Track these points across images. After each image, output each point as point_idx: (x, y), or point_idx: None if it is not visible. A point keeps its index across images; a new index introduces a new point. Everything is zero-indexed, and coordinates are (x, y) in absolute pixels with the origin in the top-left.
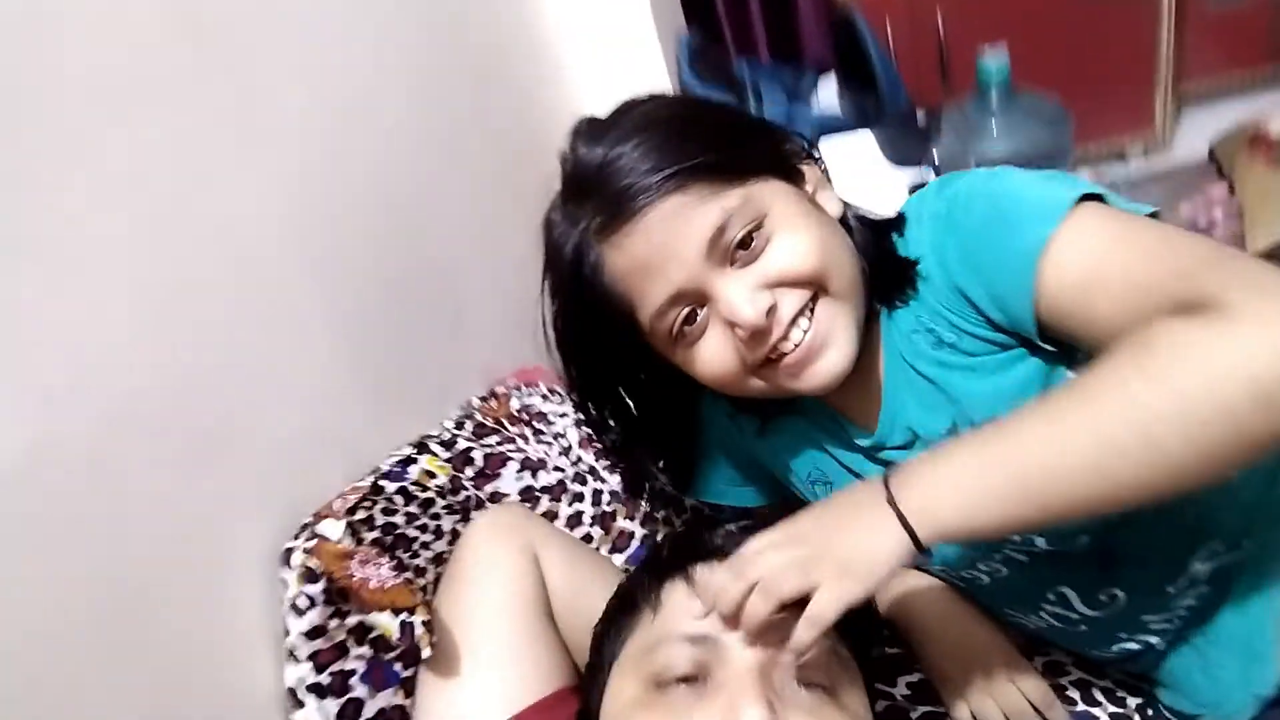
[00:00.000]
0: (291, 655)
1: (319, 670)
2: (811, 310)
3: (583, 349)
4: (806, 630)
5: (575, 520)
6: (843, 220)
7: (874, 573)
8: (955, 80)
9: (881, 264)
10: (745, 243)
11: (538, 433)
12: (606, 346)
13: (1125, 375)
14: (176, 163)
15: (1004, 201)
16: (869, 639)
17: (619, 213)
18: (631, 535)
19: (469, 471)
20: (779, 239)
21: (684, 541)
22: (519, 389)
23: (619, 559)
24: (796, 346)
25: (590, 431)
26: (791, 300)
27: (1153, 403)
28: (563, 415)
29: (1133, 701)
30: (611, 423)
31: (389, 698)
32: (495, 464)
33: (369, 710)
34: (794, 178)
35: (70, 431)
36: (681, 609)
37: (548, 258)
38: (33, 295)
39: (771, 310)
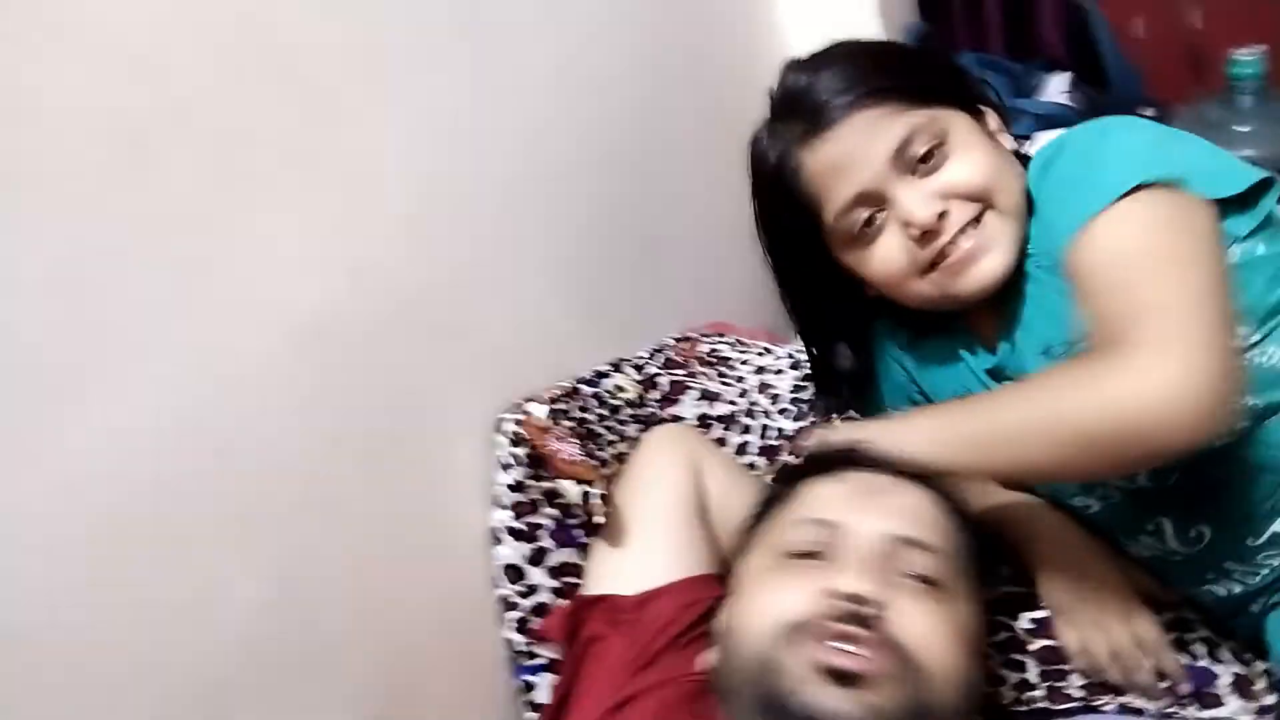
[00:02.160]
0: (496, 501)
1: (517, 518)
2: (978, 222)
3: (781, 250)
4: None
5: (742, 449)
6: (1017, 156)
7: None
8: (1207, 80)
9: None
10: (926, 158)
11: (720, 373)
12: (799, 247)
13: (1044, 383)
14: (442, 116)
15: (1088, 164)
16: (990, 562)
17: (818, 122)
18: None
19: (655, 394)
20: (956, 156)
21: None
22: (709, 336)
23: None
24: (960, 250)
25: (765, 380)
26: (962, 210)
27: (1043, 410)
28: (744, 362)
29: (1260, 665)
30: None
31: (569, 555)
32: (678, 390)
33: (552, 560)
34: (976, 115)
35: (351, 307)
36: (814, 499)
37: (753, 170)
38: (332, 200)
39: (943, 215)
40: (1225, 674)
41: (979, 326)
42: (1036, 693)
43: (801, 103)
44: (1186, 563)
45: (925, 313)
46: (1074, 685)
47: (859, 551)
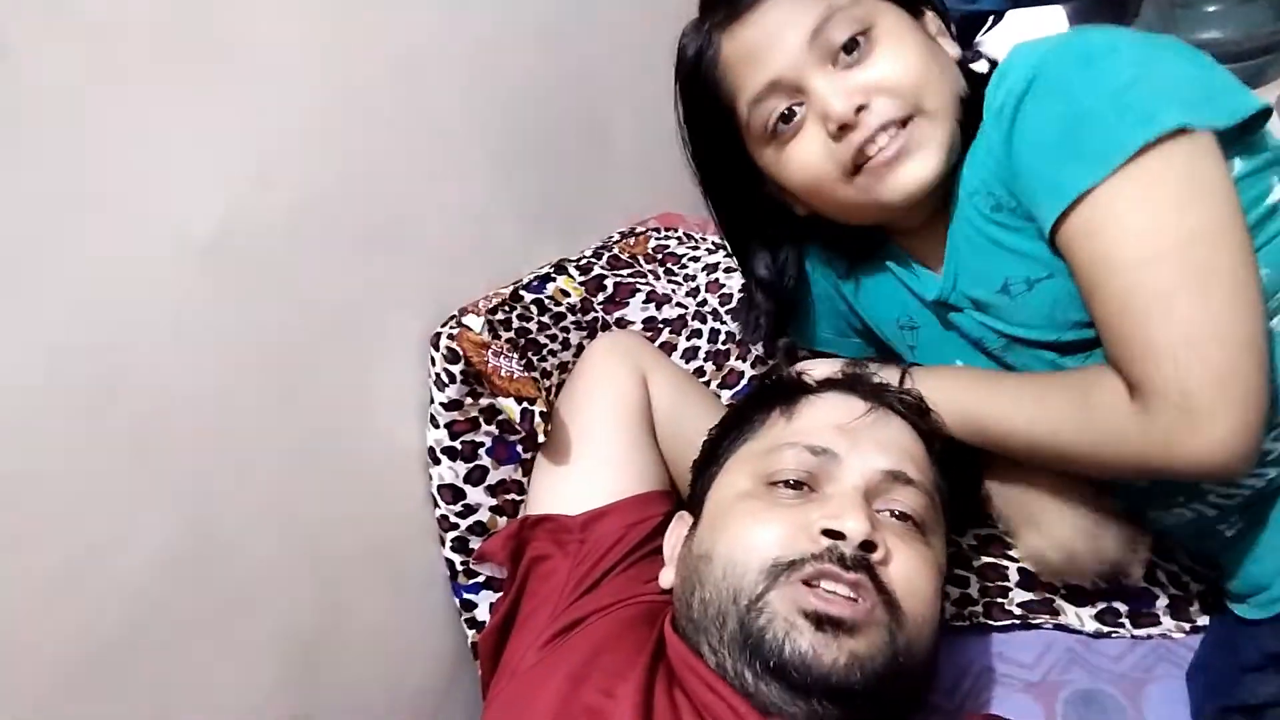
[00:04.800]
0: (432, 420)
1: (453, 437)
2: (904, 125)
3: (703, 151)
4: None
5: (691, 354)
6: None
7: None
8: None
9: (969, 110)
10: (849, 47)
11: (669, 272)
12: (720, 147)
13: (1071, 406)
14: None
15: (1077, 114)
16: (963, 514)
17: (738, 5)
18: (741, 374)
19: (600, 296)
20: (882, 50)
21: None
22: (658, 230)
23: (726, 395)
24: (883, 150)
25: (716, 277)
26: (884, 106)
27: (1075, 436)
28: (695, 259)
29: (1195, 587)
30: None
31: (509, 472)
32: (625, 293)
33: (491, 478)
34: (914, 13)
35: (257, 218)
36: (813, 422)
37: (677, 67)
38: (227, 97)
39: (862, 109)
40: (1163, 596)
41: (923, 256)
42: (977, 608)
43: None
44: (1158, 485)
45: (862, 238)
46: (1013, 603)
47: (853, 486)
